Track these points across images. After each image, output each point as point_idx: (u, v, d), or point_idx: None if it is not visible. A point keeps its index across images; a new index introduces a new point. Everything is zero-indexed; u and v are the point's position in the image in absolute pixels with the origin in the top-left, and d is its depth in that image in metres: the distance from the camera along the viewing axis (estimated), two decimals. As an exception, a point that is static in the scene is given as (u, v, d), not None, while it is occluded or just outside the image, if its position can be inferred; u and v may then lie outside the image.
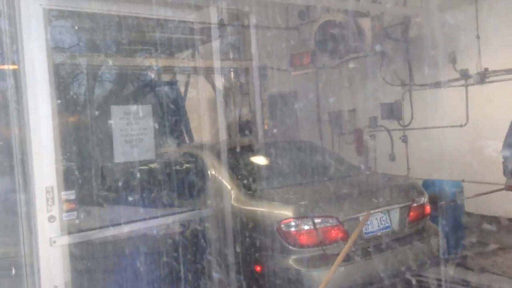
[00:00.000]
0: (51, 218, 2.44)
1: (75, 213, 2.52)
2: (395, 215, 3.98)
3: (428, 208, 4.36)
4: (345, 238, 3.59)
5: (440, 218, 4.85)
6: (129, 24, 3.81)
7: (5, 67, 3.17)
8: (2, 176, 2.57)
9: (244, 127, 6.49)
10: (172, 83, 5.28)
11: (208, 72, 5.45)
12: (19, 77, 2.63)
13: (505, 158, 4.80)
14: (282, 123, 8.87)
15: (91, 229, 2.57)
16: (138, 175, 3.45)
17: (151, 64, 5.03)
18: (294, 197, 3.84)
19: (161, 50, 5.27)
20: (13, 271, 2.43)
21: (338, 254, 3.46)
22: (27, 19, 2.56)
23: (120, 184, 3.46)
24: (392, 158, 8.17)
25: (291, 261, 3.47)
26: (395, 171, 7.95)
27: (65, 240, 2.49)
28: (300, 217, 3.52)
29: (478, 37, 6.55)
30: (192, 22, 4.69)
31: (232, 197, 3.85)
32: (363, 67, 8.18)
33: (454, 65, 6.89)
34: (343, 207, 3.71)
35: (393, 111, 8.11)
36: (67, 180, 2.57)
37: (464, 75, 6.77)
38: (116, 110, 3.04)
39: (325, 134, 9.37)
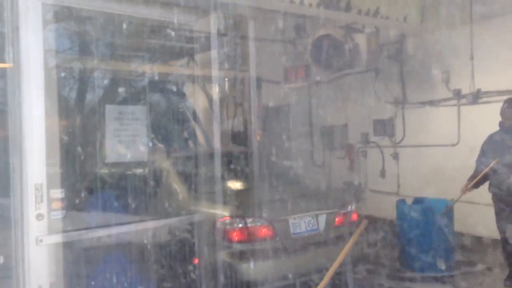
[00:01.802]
0: (39, 216, 2.37)
1: (63, 212, 2.46)
2: (322, 219, 4.56)
3: (355, 216, 4.95)
4: (273, 237, 4.16)
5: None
6: (129, 28, 3.79)
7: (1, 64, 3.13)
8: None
9: (237, 137, 6.47)
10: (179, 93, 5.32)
11: (204, 81, 5.44)
12: (14, 74, 2.59)
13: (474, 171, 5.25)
14: (274, 135, 8.86)
15: (79, 230, 2.54)
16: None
17: (146, 70, 5.00)
18: (232, 200, 4.36)
19: (159, 56, 5.26)
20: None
21: (266, 250, 4.01)
22: (25, 13, 2.52)
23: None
24: (383, 174, 8.18)
25: (224, 254, 3.97)
26: (385, 188, 7.98)
27: (52, 239, 2.42)
28: (234, 216, 4.07)
29: (472, 58, 6.62)
30: (192, 30, 4.68)
31: (180, 199, 4.37)
32: (357, 83, 8.22)
33: (447, 84, 6.95)
34: (273, 210, 4.29)
35: (385, 128, 8.14)
36: (56, 178, 2.52)
37: (457, 94, 6.82)
38: (110, 111, 3.02)
39: (316, 148, 9.36)
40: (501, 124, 5.17)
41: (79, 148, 3.09)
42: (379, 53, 7.37)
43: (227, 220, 4.08)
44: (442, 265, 5.36)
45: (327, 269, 4.07)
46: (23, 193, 2.37)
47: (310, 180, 5.67)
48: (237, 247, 4.02)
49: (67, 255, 2.53)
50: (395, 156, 7.99)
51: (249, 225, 4.04)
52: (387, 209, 7.04)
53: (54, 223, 2.50)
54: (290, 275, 4.13)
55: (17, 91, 2.64)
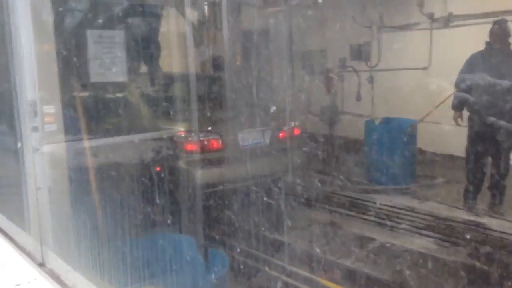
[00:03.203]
0: (34, 129, 2.70)
1: (55, 125, 2.79)
2: (268, 134, 5.32)
3: (297, 131, 5.74)
4: (223, 149, 4.90)
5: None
6: None
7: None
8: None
9: (217, 62, 6.69)
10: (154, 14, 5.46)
11: (182, 5, 5.57)
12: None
13: (455, 93, 5.21)
14: (254, 60, 9.05)
15: (70, 141, 2.89)
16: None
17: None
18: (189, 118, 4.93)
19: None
20: None
21: (216, 159, 4.85)
22: None
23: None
24: (358, 98, 8.53)
25: (181, 163, 4.72)
26: (360, 111, 8.37)
27: (46, 148, 2.76)
28: (188, 131, 4.78)
29: (444, -20, 6.76)
30: None
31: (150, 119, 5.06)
32: (335, 7, 8.33)
33: (421, 8, 7.14)
34: (224, 126, 5.10)
35: (361, 53, 8.39)
36: (49, 96, 2.82)
37: (430, 18, 7.04)
38: (91, 35, 3.25)
39: (296, 73, 9.60)
40: (488, 44, 4.99)
41: (67, 69, 3.34)
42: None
43: (182, 134, 4.82)
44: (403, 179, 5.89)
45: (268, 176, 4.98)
46: (19, 110, 2.68)
47: (267, 102, 6.19)
48: (192, 156, 4.79)
49: (61, 163, 2.90)
50: (370, 80, 8.31)
51: (202, 138, 4.78)
52: (361, 130, 7.49)
53: (48, 134, 2.83)
54: (236, 180, 4.84)
55: (7, 17, 2.84)
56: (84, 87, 3.63)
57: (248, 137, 5.12)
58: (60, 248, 1.74)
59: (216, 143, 4.88)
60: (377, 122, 6.66)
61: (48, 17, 3.27)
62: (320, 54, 9.17)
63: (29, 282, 1.53)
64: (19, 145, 2.60)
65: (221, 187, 4.76)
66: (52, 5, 3.26)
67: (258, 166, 5.06)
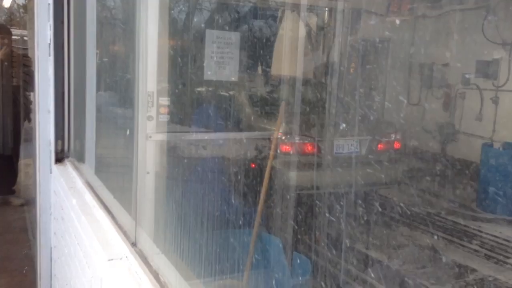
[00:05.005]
0: (149, 118, 2.90)
1: (168, 116, 3.02)
2: (365, 144, 5.24)
3: (397, 144, 5.53)
4: (317, 153, 4.93)
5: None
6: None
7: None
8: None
9: (330, 69, 6.67)
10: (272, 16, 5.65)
11: (301, 10, 5.64)
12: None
13: None
14: (369, 69, 8.87)
15: (179, 132, 3.13)
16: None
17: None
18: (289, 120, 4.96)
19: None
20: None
21: (308, 163, 4.85)
22: None
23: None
24: (479, 118, 7.96)
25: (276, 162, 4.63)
26: (479, 132, 7.79)
27: (158, 137, 2.97)
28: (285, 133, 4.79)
29: None
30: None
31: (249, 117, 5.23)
32: (464, 21, 7.85)
33: None
34: (320, 132, 5.09)
35: (488, 70, 7.81)
36: (164, 89, 3.06)
37: None
38: (209, 35, 3.46)
39: (413, 86, 9.23)
40: None
41: (182, 65, 3.60)
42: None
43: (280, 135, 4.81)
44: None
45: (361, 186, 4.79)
46: (138, 100, 2.91)
47: (373, 112, 6.10)
48: (285, 157, 4.84)
49: (169, 151, 3.13)
50: (495, 100, 7.70)
51: (297, 141, 4.85)
52: (477, 153, 6.98)
53: (161, 124, 3.05)
54: (326, 185, 4.83)
55: (136, 16, 3.13)
56: (198, 83, 3.88)
57: (344, 145, 5.09)
58: (152, 231, 1.90)
59: (310, 148, 4.94)
60: (496, 146, 6.16)
61: (176, 15, 3.51)
62: (442, 68, 8.69)
63: (120, 259, 1.69)
64: (128, 132, 2.87)
65: (310, 191, 4.79)
66: (177, 5, 3.50)
67: (350, 176, 4.99)
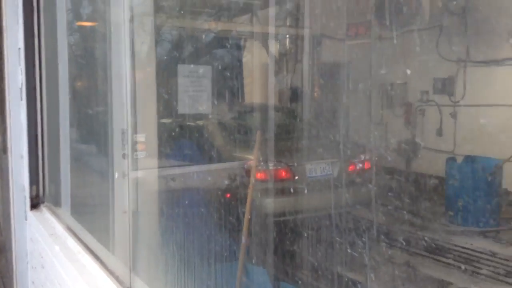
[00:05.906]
0: (124, 156, 2.88)
1: (144, 152, 2.99)
2: (336, 166, 5.45)
3: (368, 164, 5.66)
4: (291, 178, 5.02)
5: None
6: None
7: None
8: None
9: (294, 93, 6.80)
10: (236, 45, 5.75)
11: (264, 38, 5.77)
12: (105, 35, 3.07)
13: None
14: (332, 93, 9.06)
15: (155, 168, 3.10)
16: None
17: (212, 27, 5.40)
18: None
19: (221, 13, 5.62)
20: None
21: (282, 189, 4.95)
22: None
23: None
24: (439, 133, 8.24)
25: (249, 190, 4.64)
26: (441, 147, 8.06)
27: (134, 174, 2.94)
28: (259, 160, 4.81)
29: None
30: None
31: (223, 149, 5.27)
32: (419, 40, 8.16)
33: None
34: (292, 157, 5.21)
35: (445, 86, 8.13)
36: (138, 125, 3.04)
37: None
38: (181, 69, 3.49)
39: (374, 105, 9.47)
40: None
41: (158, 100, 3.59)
42: (443, 9, 7.30)
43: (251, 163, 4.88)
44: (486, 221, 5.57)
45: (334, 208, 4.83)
46: (112, 137, 2.89)
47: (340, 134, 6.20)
48: (260, 185, 4.88)
49: (145, 188, 3.09)
50: (454, 115, 8.00)
51: (270, 167, 4.97)
52: (441, 167, 7.19)
53: (137, 161, 3.03)
54: (304, 210, 4.94)
55: (108, 50, 3.12)
56: (172, 117, 3.88)
57: (316, 168, 5.21)
58: (147, 274, 1.86)
59: (284, 173, 5.04)
60: (459, 160, 6.38)
61: (146, 49, 3.52)
62: (401, 87, 8.99)
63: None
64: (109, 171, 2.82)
65: (288, 217, 4.83)
66: (148, 38, 3.51)
67: (324, 199, 5.08)
